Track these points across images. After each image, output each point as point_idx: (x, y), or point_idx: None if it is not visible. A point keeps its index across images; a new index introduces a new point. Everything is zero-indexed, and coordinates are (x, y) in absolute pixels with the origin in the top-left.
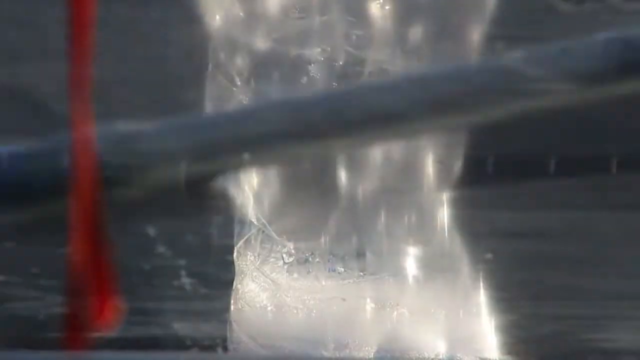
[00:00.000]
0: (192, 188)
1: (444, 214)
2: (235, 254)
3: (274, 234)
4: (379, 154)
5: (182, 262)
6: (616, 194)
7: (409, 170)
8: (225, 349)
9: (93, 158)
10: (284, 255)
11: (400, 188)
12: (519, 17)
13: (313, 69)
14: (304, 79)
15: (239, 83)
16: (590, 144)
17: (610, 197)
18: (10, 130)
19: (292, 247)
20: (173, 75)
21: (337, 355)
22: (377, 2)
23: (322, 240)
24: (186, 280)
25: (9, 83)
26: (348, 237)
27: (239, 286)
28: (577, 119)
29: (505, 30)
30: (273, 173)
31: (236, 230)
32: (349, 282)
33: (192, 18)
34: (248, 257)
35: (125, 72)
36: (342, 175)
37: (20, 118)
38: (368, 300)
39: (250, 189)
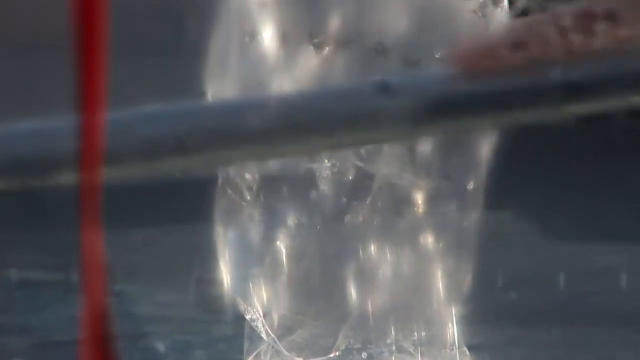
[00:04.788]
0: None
1: (454, 329)
2: None
3: (284, 350)
4: (388, 268)
5: None
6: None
7: (419, 284)
8: None
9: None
10: None
11: (410, 303)
12: None
13: (322, 184)
14: (314, 194)
15: (248, 197)
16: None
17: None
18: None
19: None
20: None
21: None
22: None
23: (333, 355)
24: None
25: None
26: (358, 352)
27: None
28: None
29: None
30: (283, 288)
31: (246, 345)
32: None
33: None
34: None
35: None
36: (352, 290)
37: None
38: None
39: (260, 303)
